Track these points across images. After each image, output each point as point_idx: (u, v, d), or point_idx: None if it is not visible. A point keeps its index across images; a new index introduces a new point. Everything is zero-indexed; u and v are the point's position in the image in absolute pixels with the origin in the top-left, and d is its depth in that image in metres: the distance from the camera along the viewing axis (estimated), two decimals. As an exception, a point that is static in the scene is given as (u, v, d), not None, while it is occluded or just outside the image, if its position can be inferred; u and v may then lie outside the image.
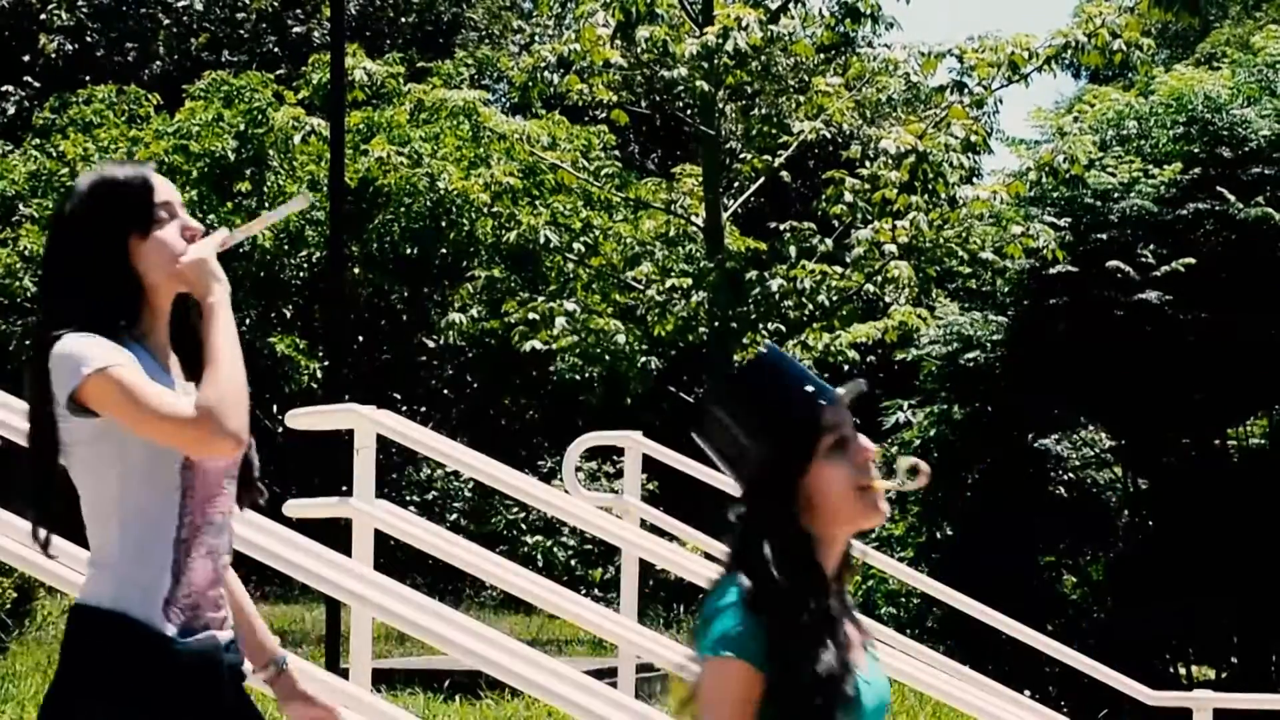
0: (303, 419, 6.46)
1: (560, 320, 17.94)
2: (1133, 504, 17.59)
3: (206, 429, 3.01)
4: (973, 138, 16.95)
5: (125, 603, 3.08)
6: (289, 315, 23.52)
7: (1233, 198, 16.02)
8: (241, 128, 22.34)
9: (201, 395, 3.05)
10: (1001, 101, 21.57)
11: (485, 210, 19.70)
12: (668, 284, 18.39)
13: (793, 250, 18.05)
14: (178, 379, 3.23)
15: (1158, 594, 16.08)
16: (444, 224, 21.47)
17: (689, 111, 19.24)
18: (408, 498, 23.32)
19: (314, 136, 20.26)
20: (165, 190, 3.23)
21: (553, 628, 18.39)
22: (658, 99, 20.88)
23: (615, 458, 21.61)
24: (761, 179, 19.76)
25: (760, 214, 24.69)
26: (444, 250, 22.44)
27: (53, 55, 27.79)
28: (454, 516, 23.60)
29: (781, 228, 18.95)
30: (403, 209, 21.73)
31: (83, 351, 3.03)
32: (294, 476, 22.52)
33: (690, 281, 18.15)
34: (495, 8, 32.16)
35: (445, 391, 26.24)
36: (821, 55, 20.14)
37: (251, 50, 29.40)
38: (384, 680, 11.77)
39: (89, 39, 28.48)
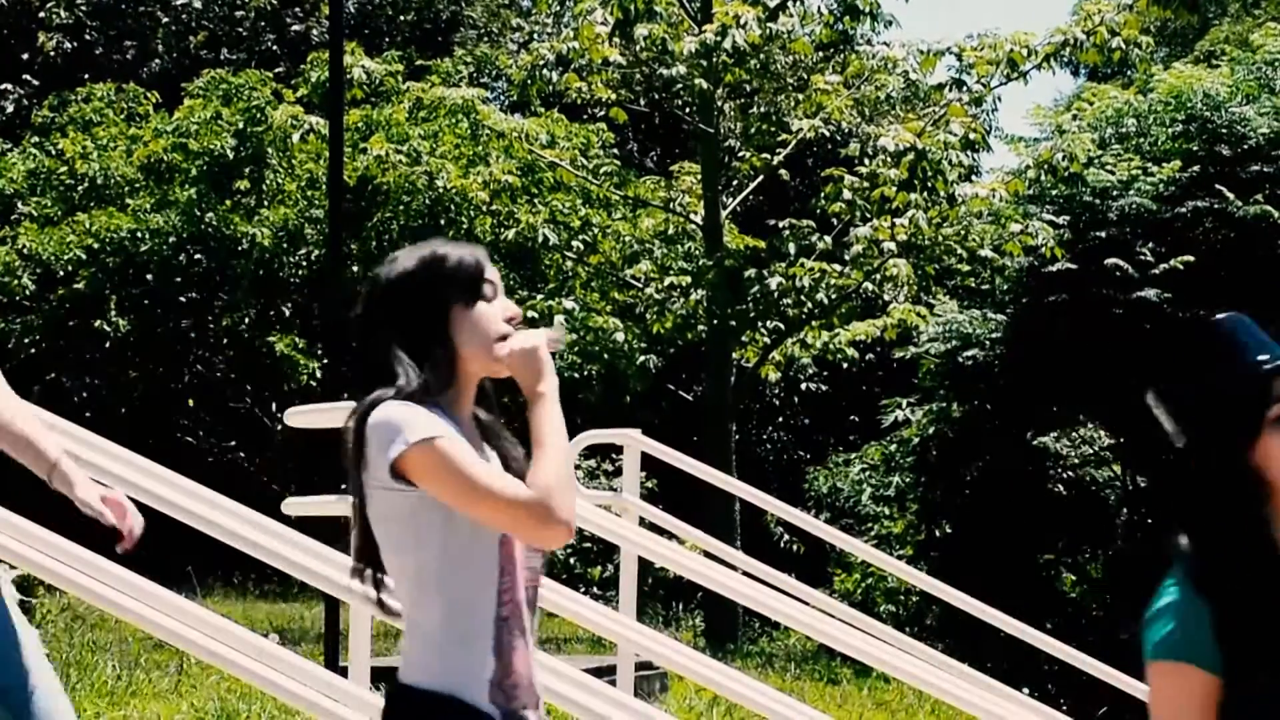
0: (302, 417, 6.46)
1: (559, 318, 17.95)
2: (1131, 502, 17.59)
3: (540, 514, 2.97)
4: (971, 135, 16.95)
5: (453, 684, 3.04)
6: (288, 314, 23.52)
7: (1231, 195, 16.03)
8: (240, 126, 22.34)
9: (534, 479, 3.00)
10: (1000, 99, 21.58)
11: (484, 208, 19.70)
12: (666, 282, 18.39)
13: (791, 248, 18.05)
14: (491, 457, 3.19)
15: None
16: (443, 222, 21.46)
17: (688, 109, 19.24)
18: (407, 496, 23.29)
19: (313, 135, 20.24)
20: (493, 272, 3.22)
21: (551, 625, 18.38)
22: (656, 97, 20.88)
23: (614, 455, 21.61)
24: (760, 177, 19.76)
25: (759, 212, 24.69)
26: (443, 248, 22.43)
27: (51, 53, 27.78)
28: (453, 514, 23.59)
29: (780, 225, 18.95)
30: (401, 207, 21.73)
31: (405, 420, 2.99)
32: (293, 475, 22.54)
33: (689, 279, 18.15)
34: (494, 6, 32.16)
35: (444, 389, 26.21)
36: (820, 53, 20.12)
37: (250, 48, 29.40)
38: (383, 678, 11.73)
39: (88, 37, 28.48)
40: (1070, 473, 17.67)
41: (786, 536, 22.82)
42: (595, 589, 21.64)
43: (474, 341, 3.14)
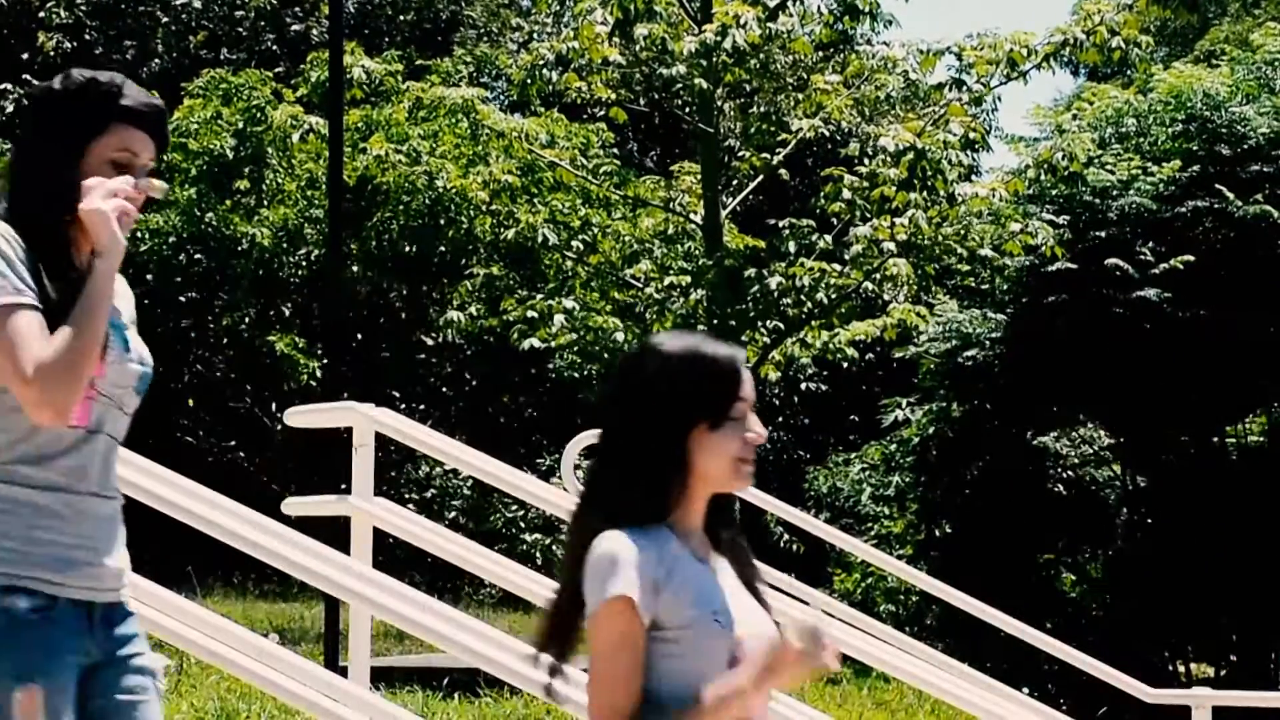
0: (302, 417, 6.47)
1: (559, 318, 17.94)
2: (1131, 501, 17.59)
3: None
4: (971, 135, 16.94)
5: None
6: (288, 313, 23.52)
7: (1231, 195, 16.02)
8: (240, 126, 22.34)
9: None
10: (1000, 99, 21.55)
11: (484, 208, 19.70)
12: (666, 282, 18.38)
13: (791, 248, 18.05)
14: (718, 568, 3.08)
15: (1156, 591, 16.09)
16: (442, 222, 21.46)
17: (687, 109, 19.23)
18: (406, 495, 23.31)
19: (312, 134, 20.24)
20: (750, 385, 3.03)
21: (552, 625, 18.38)
22: (656, 97, 20.87)
23: (614, 455, 21.57)
24: (760, 177, 19.75)
25: (759, 212, 24.68)
26: (442, 248, 22.44)
27: (51, 53, 27.77)
28: (453, 514, 23.61)
29: (780, 225, 18.95)
30: (401, 207, 21.73)
31: (619, 568, 2.90)
32: (293, 475, 22.54)
33: (689, 279, 18.14)
34: (494, 5, 32.16)
35: (444, 389, 26.24)
36: (820, 53, 20.11)
37: (250, 48, 29.39)
38: (383, 678, 11.77)
39: (88, 37, 28.47)
40: (1070, 473, 17.67)
41: (786, 536, 22.81)
42: (595, 589, 21.62)
43: (712, 466, 3.01)
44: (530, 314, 18.19)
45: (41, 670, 3.14)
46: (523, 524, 23.43)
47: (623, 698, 2.91)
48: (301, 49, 26.88)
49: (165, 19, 29.01)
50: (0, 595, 3.15)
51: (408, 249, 22.57)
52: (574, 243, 19.28)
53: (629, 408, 3.01)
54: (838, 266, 17.77)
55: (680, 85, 18.23)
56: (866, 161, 17.50)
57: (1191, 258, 15.75)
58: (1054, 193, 17.22)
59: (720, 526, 3.12)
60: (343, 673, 6.03)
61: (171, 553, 15.27)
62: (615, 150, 22.53)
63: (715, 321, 17.78)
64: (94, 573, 3.26)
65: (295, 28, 29.91)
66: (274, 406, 22.89)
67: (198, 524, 4.85)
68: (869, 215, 17.41)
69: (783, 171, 20.06)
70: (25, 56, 28.07)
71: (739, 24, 16.80)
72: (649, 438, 2.98)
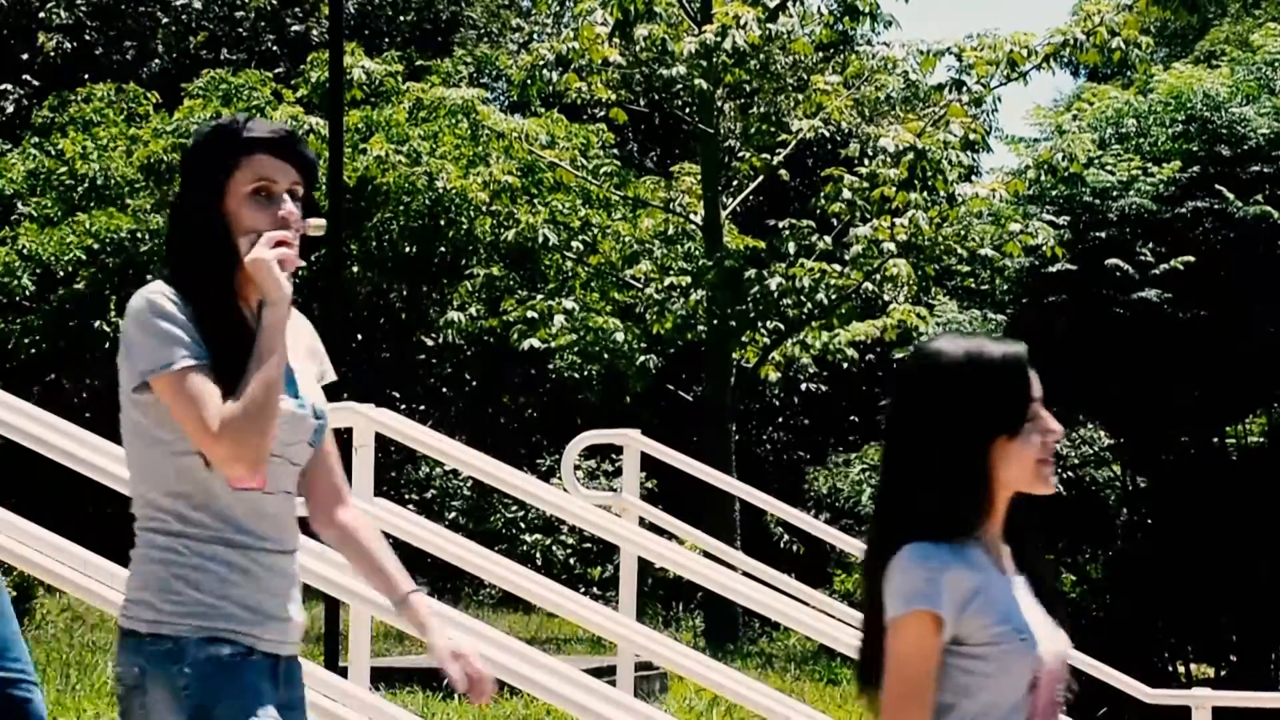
0: (301, 417, 6.45)
1: (559, 318, 17.95)
2: (1131, 502, 17.59)
3: None
4: (971, 135, 16.96)
5: None
6: (288, 313, 23.48)
7: (1231, 196, 16.02)
8: (240, 126, 22.32)
9: None
10: (1000, 99, 21.59)
11: (484, 209, 19.71)
12: (666, 282, 18.40)
13: (791, 248, 18.06)
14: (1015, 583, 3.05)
15: (1156, 592, 16.09)
16: (442, 222, 21.46)
17: (688, 110, 19.24)
18: (406, 496, 23.31)
19: (312, 135, 20.24)
20: (1037, 382, 2.99)
21: (551, 626, 18.39)
22: (656, 97, 20.88)
23: (614, 456, 21.61)
24: (760, 177, 19.76)
25: (759, 212, 24.68)
26: (442, 249, 22.44)
27: (51, 53, 27.77)
28: (453, 515, 23.60)
29: (780, 226, 18.96)
30: (401, 207, 21.73)
31: (925, 583, 2.89)
32: (293, 475, 22.53)
33: (689, 280, 18.15)
34: (494, 6, 32.15)
35: (444, 390, 26.24)
36: (820, 53, 20.13)
37: (250, 49, 29.39)
38: (383, 678, 11.76)
39: (88, 37, 28.47)
40: (1070, 473, 17.67)
41: (786, 536, 22.81)
42: (595, 589, 21.64)
43: (1014, 473, 3.00)
44: (530, 314, 18.20)
45: (257, 706, 3.22)
46: (523, 524, 23.42)
47: (917, 712, 2.89)
48: (301, 49, 26.88)
49: (165, 19, 29.00)
50: (203, 645, 3.21)
51: (408, 249, 22.57)
52: (574, 243, 19.29)
53: (919, 424, 2.94)
54: (838, 267, 17.78)
55: (680, 86, 18.25)
56: (866, 162, 17.51)
57: (1191, 258, 15.75)
58: (1054, 193, 17.22)
59: (1020, 539, 3.09)
60: (343, 673, 6.03)
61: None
62: (615, 151, 22.53)
63: (715, 322, 17.80)
64: (282, 627, 3.32)
65: (295, 28, 29.91)
66: (274, 407, 22.88)
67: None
68: (869, 215, 17.42)
69: (783, 172, 20.07)
70: (25, 56, 28.08)
71: (739, 25, 16.82)
72: (947, 455, 2.93)
